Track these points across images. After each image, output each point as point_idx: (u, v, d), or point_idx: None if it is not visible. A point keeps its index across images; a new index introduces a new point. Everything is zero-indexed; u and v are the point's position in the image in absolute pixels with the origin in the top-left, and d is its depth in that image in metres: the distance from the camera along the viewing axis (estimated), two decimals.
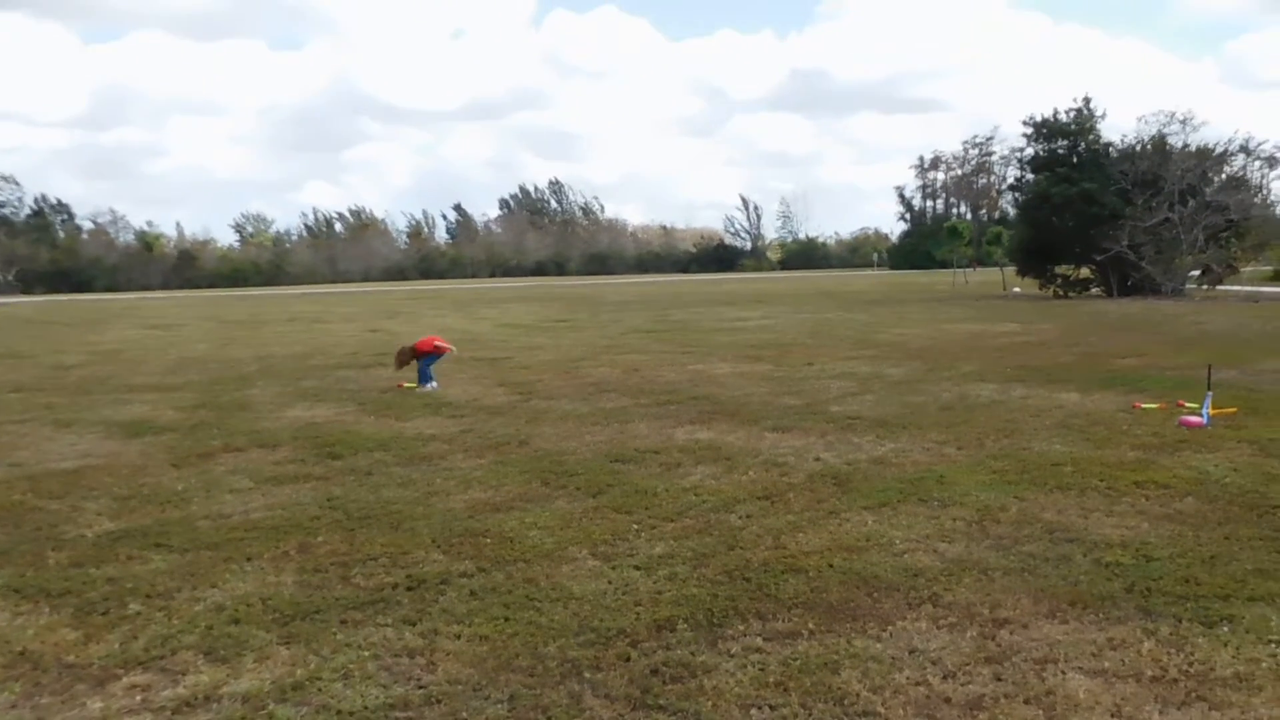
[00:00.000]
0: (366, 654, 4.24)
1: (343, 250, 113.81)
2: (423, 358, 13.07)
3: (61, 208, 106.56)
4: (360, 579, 5.24)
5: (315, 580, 5.24)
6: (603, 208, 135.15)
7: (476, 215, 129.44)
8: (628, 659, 4.10)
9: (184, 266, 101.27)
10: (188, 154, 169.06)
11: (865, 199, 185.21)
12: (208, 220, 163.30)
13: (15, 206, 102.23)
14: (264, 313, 37.58)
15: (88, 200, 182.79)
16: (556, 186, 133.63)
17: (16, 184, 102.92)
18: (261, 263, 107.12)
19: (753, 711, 3.63)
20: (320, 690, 3.90)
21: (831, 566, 5.21)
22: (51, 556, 5.80)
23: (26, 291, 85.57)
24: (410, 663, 4.14)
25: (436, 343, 13.30)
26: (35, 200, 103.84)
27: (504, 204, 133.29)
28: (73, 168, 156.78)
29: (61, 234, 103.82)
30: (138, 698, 3.90)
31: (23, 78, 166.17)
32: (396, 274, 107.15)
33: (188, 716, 3.73)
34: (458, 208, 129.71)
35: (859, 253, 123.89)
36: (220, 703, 3.82)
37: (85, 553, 5.86)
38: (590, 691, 3.82)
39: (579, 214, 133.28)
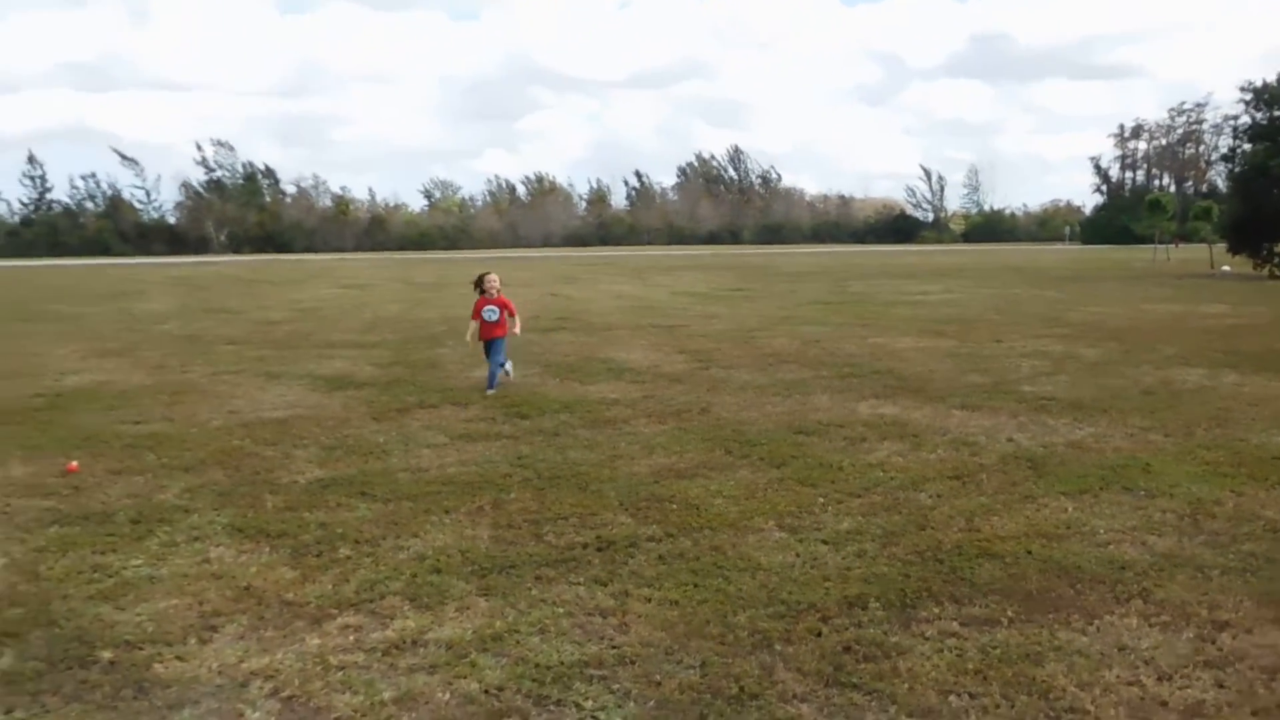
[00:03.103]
0: (560, 611, 4.35)
1: (523, 216, 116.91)
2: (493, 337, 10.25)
3: (269, 173, 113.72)
4: (552, 537, 5.38)
5: (509, 536, 5.42)
6: (779, 177, 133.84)
7: (654, 183, 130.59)
8: (819, 634, 4.06)
9: (374, 230, 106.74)
10: (371, 122, 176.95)
11: (1051, 170, 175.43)
12: (395, 186, 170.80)
13: (229, 171, 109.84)
14: (450, 276, 38.98)
15: (284, 166, 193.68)
16: (735, 154, 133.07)
17: (231, 148, 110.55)
18: (447, 228, 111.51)
19: (951, 698, 3.53)
20: (518, 643, 4.03)
21: (1029, 553, 5.01)
22: (269, 500, 6.22)
23: (235, 252, 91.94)
24: (603, 622, 4.23)
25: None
26: (244, 165, 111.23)
27: (680, 172, 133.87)
28: (269, 134, 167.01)
29: (267, 198, 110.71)
30: (351, 637, 4.14)
31: (222, 48, 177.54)
32: (575, 240, 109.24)
33: (396, 658, 3.93)
34: (637, 174, 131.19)
35: (1048, 226, 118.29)
36: (426, 648, 4.01)
37: (298, 498, 6.25)
38: (782, 664, 3.80)
39: (755, 183, 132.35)
